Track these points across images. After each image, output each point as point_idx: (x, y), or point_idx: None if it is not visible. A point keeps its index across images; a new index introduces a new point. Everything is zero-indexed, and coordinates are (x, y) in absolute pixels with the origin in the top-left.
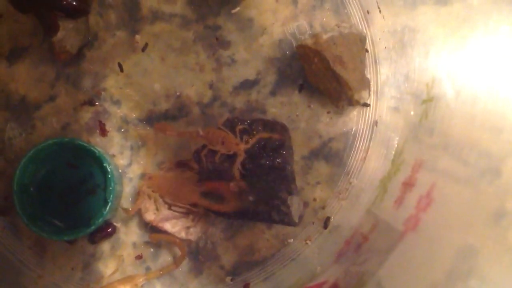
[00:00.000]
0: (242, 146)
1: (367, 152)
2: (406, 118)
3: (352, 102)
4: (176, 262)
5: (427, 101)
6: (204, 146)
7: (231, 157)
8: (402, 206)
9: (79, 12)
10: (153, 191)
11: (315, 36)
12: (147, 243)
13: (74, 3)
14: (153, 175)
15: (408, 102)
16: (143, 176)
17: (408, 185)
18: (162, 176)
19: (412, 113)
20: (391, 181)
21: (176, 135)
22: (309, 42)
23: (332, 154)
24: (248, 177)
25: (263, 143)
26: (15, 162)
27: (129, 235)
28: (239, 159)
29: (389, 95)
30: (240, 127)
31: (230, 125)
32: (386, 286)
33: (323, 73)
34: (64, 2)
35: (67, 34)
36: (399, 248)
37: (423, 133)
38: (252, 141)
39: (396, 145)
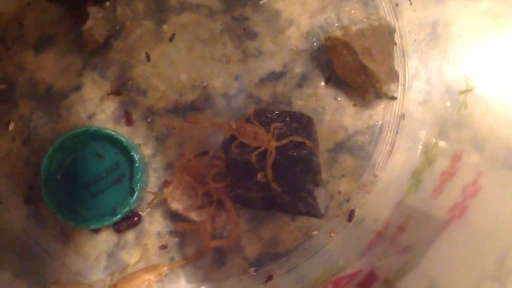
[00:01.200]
0: (274, 144)
1: (393, 145)
2: (438, 110)
3: (380, 95)
4: (201, 252)
5: (467, 91)
6: (233, 137)
7: (258, 149)
8: (442, 195)
9: None
10: (187, 174)
11: (344, 28)
12: (171, 233)
13: None
14: (190, 157)
15: (442, 93)
16: (168, 166)
17: (448, 174)
18: (196, 160)
19: (448, 103)
20: (426, 173)
21: (208, 126)
22: (338, 34)
23: (357, 147)
24: (275, 168)
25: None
26: (41, 151)
27: (154, 225)
28: (271, 157)
29: (418, 88)
30: (274, 124)
31: (259, 116)
32: (433, 275)
33: (351, 65)
34: None
35: (95, 23)
36: (445, 236)
37: (461, 123)
38: (283, 141)
39: (426, 138)
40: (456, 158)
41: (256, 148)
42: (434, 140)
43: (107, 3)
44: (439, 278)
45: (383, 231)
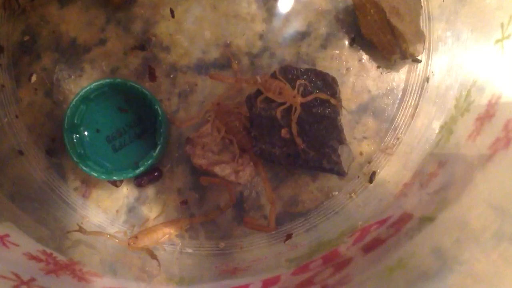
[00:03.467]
0: (299, 100)
1: (416, 108)
2: (468, 66)
3: (406, 55)
4: (224, 206)
5: (504, 39)
6: (258, 93)
7: (283, 105)
8: (480, 136)
9: None
10: (218, 120)
11: None
12: (192, 189)
13: None
14: (219, 103)
15: (473, 48)
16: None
17: (486, 117)
18: (225, 106)
19: (480, 55)
20: (458, 123)
21: (233, 81)
22: None
23: (380, 110)
24: (300, 124)
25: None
26: (63, 104)
27: (175, 181)
28: (297, 112)
29: (445, 48)
30: (300, 81)
31: (284, 72)
32: (475, 205)
33: (378, 25)
34: None
35: None
36: (488, 167)
37: (500, 69)
38: (309, 98)
39: (455, 94)
40: (494, 102)
41: (281, 104)
42: (464, 93)
43: None
44: (483, 207)
45: (411, 182)
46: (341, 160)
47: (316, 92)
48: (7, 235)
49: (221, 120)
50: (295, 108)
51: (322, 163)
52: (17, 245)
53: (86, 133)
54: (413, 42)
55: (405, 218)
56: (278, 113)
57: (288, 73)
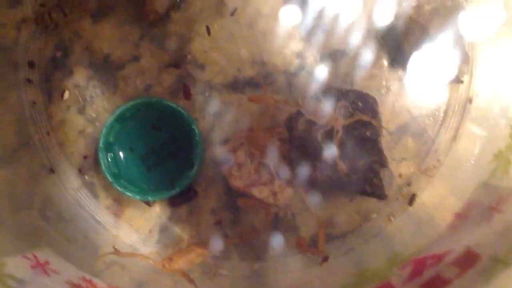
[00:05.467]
0: (341, 122)
1: (457, 130)
2: None
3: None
4: (259, 228)
5: None
6: (298, 115)
7: (325, 128)
8: None
9: None
10: (252, 147)
11: (416, 7)
12: (226, 209)
13: None
14: (253, 130)
15: None
16: (225, 141)
17: None
18: (260, 132)
19: None
20: None
21: (273, 103)
22: (412, 13)
23: (420, 130)
24: (341, 147)
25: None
26: (96, 121)
27: (208, 201)
28: (338, 135)
29: (489, 70)
30: (341, 103)
31: (325, 94)
32: None
33: (423, 46)
34: None
35: None
36: None
37: None
38: (351, 120)
39: (509, 120)
40: None
41: (322, 126)
42: None
43: None
44: None
45: (466, 213)
46: (383, 184)
47: (358, 114)
48: (47, 262)
49: (255, 144)
50: (337, 130)
51: (364, 187)
52: (58, 273)
53: (120, 152)
54: (458, 65)
55: (470, 256)
56: (320, 136)
57: (328, 93)
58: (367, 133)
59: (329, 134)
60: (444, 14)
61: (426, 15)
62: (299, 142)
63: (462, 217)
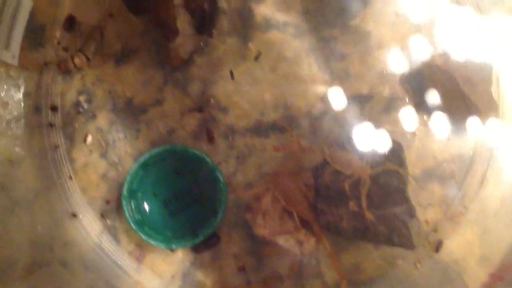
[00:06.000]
0: (368, 172)
1: (484, 176)
2: None
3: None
4: (283, 275)
5: None
6: (325, 163)
7: (351, 177)
8: None
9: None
10: (277, 193)
11: (444, 55)
12: (249, 255)
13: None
14: (279, 174)
15: None
16: (248, 186)
17: None
18: (283, 177)
19: None
20: None
21: (299, 150)
22: (439, 61)
23: (446, 176)
24: (368, 197)
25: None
26: (119, 165)
27: (231, 246)
28: (366, 185)
29: None
30: (368, 151)
31: (351, 143)
32: None
33: (449, 94)
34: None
35: (185, 40)
36: None
37: None
38: (378, 170)
39: None
40: None
41: (349, 176)
42: None
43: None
44: None
45: (500, 275)
46: (411, 234)
47: (384, 163)
48: None
49: (280, 191)
50: (364, 180)
51: (392, 238)
52: None
53: (143, 198)
54: (485, 112)
55: None
56: (347, 185)
57: (355, 141)
58: (394, 181)
59: (356, 184)
60: (472, 62)
61: (453, 64)
62: (325, 191)
63: (497, 279)
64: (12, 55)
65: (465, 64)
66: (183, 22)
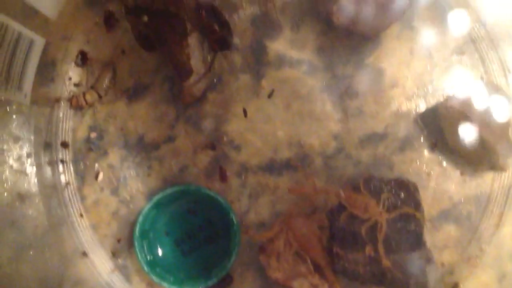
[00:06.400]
0: (385, 216)
1: (500, 218)
2: None
3: (496, 168)
4: None
5: None
6: (341, 207)
7: (368, 221)
8: None
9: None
10: (291, 235)
11: (460, 96)
12: None
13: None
14: (293, 216)
15: None
16: (261, 225)
17: None
18: (297, 221)
19: None
20: None
21: (313, 193)
22: (456, 103)
23: (462, 217)
24: (384, 241)
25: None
26: (130, 203)
27: (244, 286)
28: (383, 230)
29: None
30: (384, 195)
31: (367, 185)
32: None
33: (466, 135)
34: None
35: (198, 78)
36: None
37: None
38: (395, 214)
39: None
40: None
41: (366, 220)
42: None
43: (208, 57)
44: None
45: None
46: (428, 280)
47: (401, 207)
48: None
49: (293, 234)
50: (381, 225)
51: (409, 284)
52: None
53: (155, 237)
54: (503, 155)
55: None
56: (363, 230)
57: (370, 185)
58: (411, 225)
59: (373, 228)
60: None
61: (472, 106)
62: (341, 236)
63: None
64: (24, 95)
65: (482, 106)
66: (197, 61)
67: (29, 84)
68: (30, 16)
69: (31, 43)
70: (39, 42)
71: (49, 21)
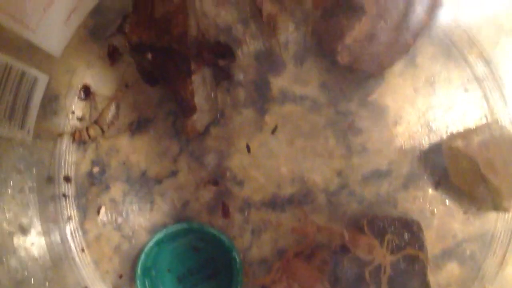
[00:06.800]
0: (389, 259)
1: (504, 257)
2: None
3: (499, 209)
4: None
5: None
6: (344, 249)
7: (371, 264)
8: None
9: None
10: (292, 279)
11: (465, 137)
12: None
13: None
14: (291, 259)
15: None
16: (262, 261)
17: None
18: (298, 262)
19: None
20: None
21: (316, 231)
22: (460, 144)
23: (466, 256)
24: (388, 283)
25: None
26: (132, 238)
27: None
28: (387, 273)
29: None
30: (388, 236)
31: (371, 225)
32: None
33: (470, 177)
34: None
35: (201, 115)
36: None
37: None
38: (399, 256)
39: None
40: None
41: (369, 262)
42: None
43: (212, 94)
44: None
45: None
46: None
47: (405, 248)
48: None
49: (295, 279)
50: (385, 267)
51: None
52: None
53: (157, 275)
54: (508, 197)
55: None
56: (367, 272)
57: (373, 225)
58: (415, 267)
59: (377, 270)
60: (494, 146)
61: (474, 146)
62: (345, 278)
63: None
64: (27, 131)
65: (486, 148)
66: (200, 98)
67: (32, 121)
68: (35, 54)
69: (35, 81)
70: (43, 79)
71: (53, 58)
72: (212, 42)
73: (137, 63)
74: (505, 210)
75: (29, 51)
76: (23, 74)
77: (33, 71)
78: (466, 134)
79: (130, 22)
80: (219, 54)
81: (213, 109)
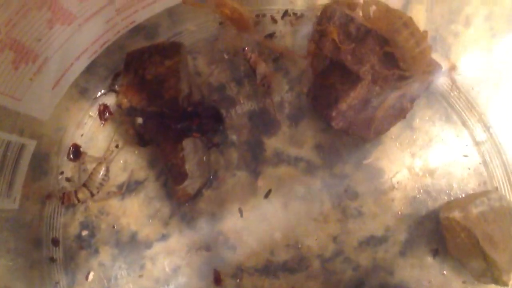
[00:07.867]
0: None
1: None
2: None
3: (498, 283)
4: None
5: None
6: None
7: None
8: None
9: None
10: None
11: (464, 209)
12: None
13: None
14: None
15: None
16: None
17: None
18: None
19: None
20: None
21: None
22: (458, 216)
23: None
24: None
25: None
26: None
27: None
28: None
29: None
30: None
31: None
32: None
33: (468, 249)
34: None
35: (192, 181)
36: None
37: None
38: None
39: None
40: None
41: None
42: None
43: (204, 157)
44: None
45: None
46: None
47: None
48: None
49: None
50: None
51: None
52: None
53: None
54: (507, 270)
55: None
56: None
57: None
58: None
59: None
60: (493, 218)
61: (473, 218)
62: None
63: None
64: (13, 200)
65: (485, 220)
66: (192, 164)
67: (19, 188)
68: (20, 120)
69: (22, 147)
70: (30, 144)
71: (42, 122)
72: (200, 108)
73: (128, 126)
74: (504, 284)
75: (14, 118)
76: (8, 144)
77: (19, 139)
78: (465, 205)
79: (121, 83)
80: (207, 118)
81: (205, 172)
